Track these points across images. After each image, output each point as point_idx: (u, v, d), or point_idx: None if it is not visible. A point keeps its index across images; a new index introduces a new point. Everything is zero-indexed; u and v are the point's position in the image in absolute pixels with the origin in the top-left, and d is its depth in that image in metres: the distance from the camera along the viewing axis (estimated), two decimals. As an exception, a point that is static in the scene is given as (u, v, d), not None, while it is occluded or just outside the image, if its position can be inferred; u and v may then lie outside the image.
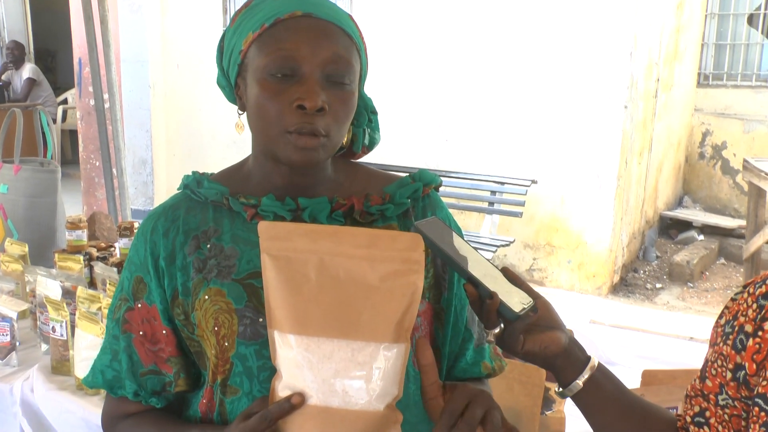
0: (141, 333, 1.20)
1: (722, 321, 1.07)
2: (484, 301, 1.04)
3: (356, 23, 1.19)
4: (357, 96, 1.16)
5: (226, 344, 1.13)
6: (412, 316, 1.01)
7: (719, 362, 1.05)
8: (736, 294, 1.07)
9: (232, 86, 1.20)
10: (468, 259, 1.07)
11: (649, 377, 1.95)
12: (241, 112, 1.20)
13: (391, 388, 1.01)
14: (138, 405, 1.23)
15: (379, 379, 0.99)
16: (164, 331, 1.19)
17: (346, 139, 1.22)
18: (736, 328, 1.03)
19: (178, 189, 1.25)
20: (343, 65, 1.11)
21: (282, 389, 1.01)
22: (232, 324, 1.13)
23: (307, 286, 1.01)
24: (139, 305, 1.20)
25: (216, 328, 1.13)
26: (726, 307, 1.08)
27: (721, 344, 1.05)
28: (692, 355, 3.26)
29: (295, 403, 0.98)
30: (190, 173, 1.25)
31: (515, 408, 1.90)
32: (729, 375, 1.04)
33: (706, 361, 1.09)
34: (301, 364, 0.99)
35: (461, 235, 1.13)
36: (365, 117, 1.25)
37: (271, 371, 1.06)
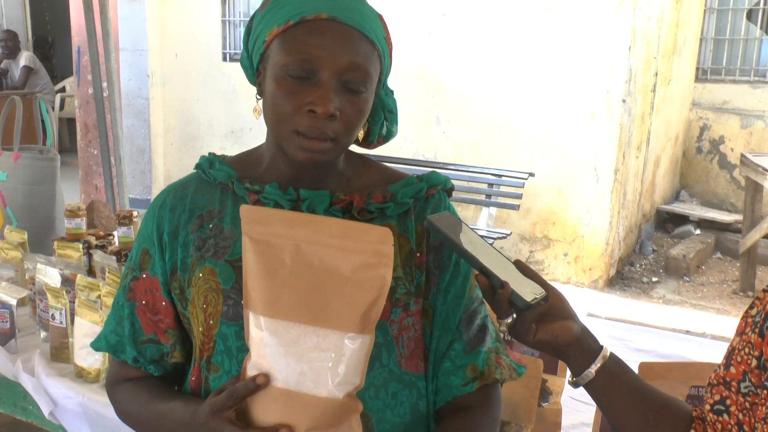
0: (144, 302, 1.25)
1: (753, 311, 1.09)
2: (496, 290, 1.06)
3: (384, 23, 1.19)
4: (371, 101, 1.17)
5: (211, 322, 1.17)
6: (378, 308, 1.04)
7: (747, 350, 1.06)
8: None
9: (254, 70, 1.21)
10: (480, 251, 1.09)
11: (646, 370, 1.96)
12: (259, 97, 1.21)
13: (352, 378, 1.03)
14: (137, 371, 1.28)
15: (341, 367, 1.01)
16: (164, 303, 1.24)
17: (361, 133, 1.23)
18: (764, 316, 1.05)
19: (194, 169, 1.29)
20: (360, 74, 1.12)
21: (251, 369, 1.04)
22: (218, 303, 1.16)
23: (283, 271, 1.03)
24: (144, 276, 1.25)
25: (204, 306, 1.17)
26: (757, 298, 1.09)
27: (750, 333, 1.07)
28: (688, 349, 3.29)
29: (260, 383, 1.01)
30: (207, 154, 1.29)
31: (512, 399, 1.91)
32: (754, 362, 1.05)
33: (732, 348, 1.10)
34: (268, 345, 1.02)
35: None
36: (381, 116, 1.25)
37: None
